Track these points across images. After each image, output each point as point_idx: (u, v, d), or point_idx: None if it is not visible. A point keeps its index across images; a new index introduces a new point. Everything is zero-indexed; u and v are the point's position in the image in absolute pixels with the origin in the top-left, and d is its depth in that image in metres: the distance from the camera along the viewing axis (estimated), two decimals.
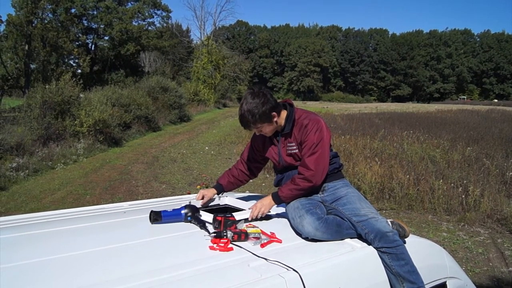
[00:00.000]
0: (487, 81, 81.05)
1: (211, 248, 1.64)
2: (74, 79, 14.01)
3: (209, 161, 11.87)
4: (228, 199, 2.51)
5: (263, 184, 8.68)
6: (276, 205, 2.16)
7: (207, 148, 14.26)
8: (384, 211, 6.71)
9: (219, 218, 1.87)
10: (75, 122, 12.97)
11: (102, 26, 45.55)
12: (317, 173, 2.06)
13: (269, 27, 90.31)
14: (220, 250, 1.63)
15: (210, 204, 2.40)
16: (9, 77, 27.75)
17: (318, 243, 1.86)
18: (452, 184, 7.28)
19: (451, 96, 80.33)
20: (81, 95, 14.63)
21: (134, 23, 46.59)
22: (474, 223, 6.14)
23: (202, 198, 2.36)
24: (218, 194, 2.46)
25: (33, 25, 26.50)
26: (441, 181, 7.28)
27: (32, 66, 28.33)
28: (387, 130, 14.66)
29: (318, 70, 78.41)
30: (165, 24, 52.03)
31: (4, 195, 7.98)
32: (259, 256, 1.58)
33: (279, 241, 1.79)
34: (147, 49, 44.84)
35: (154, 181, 9.25)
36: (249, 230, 1.82)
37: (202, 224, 1.92)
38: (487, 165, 8.63)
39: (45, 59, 27.85)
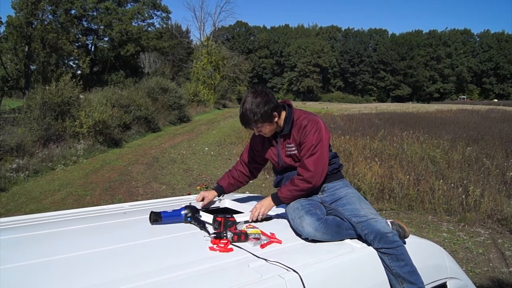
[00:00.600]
0: (487, 81, 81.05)
1: (211, 248, 1.64)
2: (74, 80, 14.02)
3: (209, 162, 11.87)
4: (228, 201, 2.50)
5: (263, 185, 8.68)
6: (275, 206, 2.16)
7: (207, 148, 14.26)
8: (384, 212, 6.71)
9: (219, 219, 1.87)
10: (75, 123, 12.97)
11: (102, 27, 45.63)
12: (316, 174, 2.06)
13: (268, 27, 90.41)
14: (220, 251, 1.63)
15: (209, 207, 2.39)
16: (9, 78, 27.78)
17: (318, 243, 1.86)
18: (452, 184, 7.28)
19: (451, 96, 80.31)
20: (81, 96, 14.64)
21: (133, 24, 46.70)
22: (474, 224, 6.14)
23: (202, 200, 2.36)
24: (218, 196, 2.45)
25: (33, 26, 26.55)
26: (441, 181, 7.29)
27: (32, 67, 28.37)
28: (387, 130, 14.65)
29: (317, 71, 78.42)
30: (164, 25, 52.16)
31: (4, 196, 7.98)
32: (259, 257, 1.58)
33: (279, 242, 1.79)
34: (146, 50, 44.86)
35: (154, 182, 9.25)
36: (249, 230, 1.82)
37: (202, 225, 1.92)
38: (487, 165, 8.63)
39: (45, 60, 27.89)
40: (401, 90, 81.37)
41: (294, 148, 2.16)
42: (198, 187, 6.53)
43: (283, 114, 2.17)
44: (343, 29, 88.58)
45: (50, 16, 30.59)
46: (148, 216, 1.96)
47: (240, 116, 2.12)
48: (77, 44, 43.08)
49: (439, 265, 2.14)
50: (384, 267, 1.83)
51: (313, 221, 1.88)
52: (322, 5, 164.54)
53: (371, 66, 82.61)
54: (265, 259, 1.55)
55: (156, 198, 3.32)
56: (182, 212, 2.00)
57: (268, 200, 2.13)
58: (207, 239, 1.75)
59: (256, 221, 2.07)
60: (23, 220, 2.06)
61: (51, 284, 1.30)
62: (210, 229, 1.87)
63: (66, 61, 36.66)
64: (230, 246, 1.68)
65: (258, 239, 1.75)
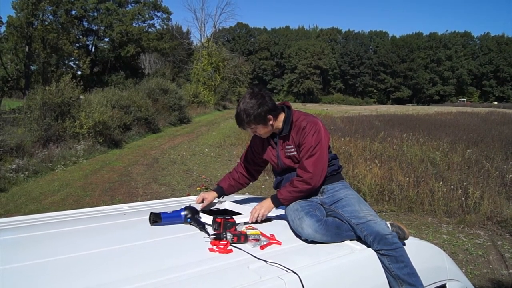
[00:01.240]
0: (487, 83, 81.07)
1: (211, 250, 1.64)
2: (74, 81, 14.02)
3: (209, 163, 11.87)
4: (227, 202, 2.50)
5: (263, 186, 8.68)
6: (275, 208, 2.16)
7: (207, 150, 14.27)
8: (384, 213, 6.71)
9: (219, 220, 1.87)
10: (75, 123, 12.97)
11: (102, 27, 45.65)
12: (315, 175, 2.06)
13: (269, 29, 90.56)
14: (220, 252, 1.63)
15: (209, 209, 2.39)
16: (9, 79, 27.80)
17: (317, 245, 1.86)
18: (452, 186, 7.28)
19: (451, 98, 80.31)
20: (81, 97, 14.64)
21: (134, 25, 46.68)
22: (474, 225, 6.14)
23: (202, 201, 2.36)
24: (218, 197, 2.44)
25: (34, 26, 26.58)
26: (441, 183, 7.29)
27: (32, 68, 28.39)
28: (387, 132, 14.67)
29: (318, 72, 78.48)
30: (165, 26, 52.13)
31: (4, 196, 7.98)
32: (258, 258, 1.58)
33: (279, 243, 1.79)
34: (147, 51, 44.89)
35: (154, 183, 9.25)
36: (249, 232, 1.82)
37: (201, 226, 1.92)
38: (487, 167, 8.63)
39: (45, 60, 27.90)
40: (401, 92, 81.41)
41: (293, 150, 2.16)
42: (198, 188, 6.53)
43: (282, 115, 2.18)
44: (343, 31, 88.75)
45: (50, 17, 30.59)
46: (147, 217, 1.96)
47: (235, 116, 2.15)
48: (78, 45, 43.10)
49: (439, 267, 2.14)
50: (384, 268, 1.83)
51: (313, 223, 1.88)
52: (322, 7, 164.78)
53: (371, 68, 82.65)
54: (265, 261, 1.55)
55: (156, 199, 3.32)
56: (182, 213, 2.00)
57: (268, 202, 2.13)
58: (206, 240, 1.75)
59: (256, 222, 2.07)
60: (22, 220, 2.06)
61: (50, 285, 1.30)
62: (210, 230, 1.87)
63: (66, 62, 36.69)
64: (230, 247, 1.68)
65: (257, 240, 1.75)
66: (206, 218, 2.02)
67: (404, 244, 1.95)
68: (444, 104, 66.44)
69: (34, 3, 25.17)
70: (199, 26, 46.97)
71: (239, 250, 1.67)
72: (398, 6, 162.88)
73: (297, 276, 1.45)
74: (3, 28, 28.44)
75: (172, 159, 12.44)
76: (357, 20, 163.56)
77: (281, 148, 2.21)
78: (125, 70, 45.39)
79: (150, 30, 49.21)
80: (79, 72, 39.22)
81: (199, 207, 2.30)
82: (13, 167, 9.33)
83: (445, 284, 2.10)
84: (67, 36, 31.86)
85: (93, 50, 47.71)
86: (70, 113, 13.17)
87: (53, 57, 29.32)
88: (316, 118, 2.17)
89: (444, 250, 3.20)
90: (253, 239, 1.75)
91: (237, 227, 1.88)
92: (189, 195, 3.20)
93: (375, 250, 1.85)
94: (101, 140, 13.59)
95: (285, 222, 2.09)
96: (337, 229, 1.94)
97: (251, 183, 2.57)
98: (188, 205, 2.09)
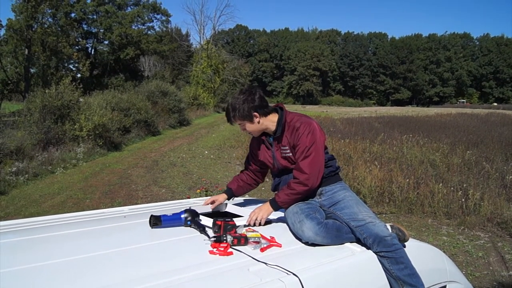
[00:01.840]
0: (486, 84, 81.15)
1: (211, 252, 1.65)
2: (73, 84, 14.03)
3: (209, 165, 11.86)
4: (227, 205, 2.51)
5: (263, 188, 8.66)
6: (274, 211, 2.16)
7: (206, 152, 14.26)
8: (384, 215, 6.71)
9: (219, 223, 1.87)
10: (75, 126, 12.97)
11: (101, 30, 45.71)
12: (312, 176, 2.05)
13: (268, 31, 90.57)
14: (220, 255, 1.63)
15: (207, 211, 2.39)
16: (9, 82, 27.82)
17: (317, 247, 1.86)
18: (452, 188, 7.27)
19: (451, 99, 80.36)
20: (81, 100, 14.64)
21: (133, 27, 46.71)
22: (474, 227, 6.13)
23: (212, 203, 2.39)
24: (228, 199, 2.47)
25: (33, 29, 26.57)
26: (441, 184, 7.28)
27: (32, 71, 28.37)
28: (386, 133, 14.67)
29: (317, 74, 78.52)
30: (164, 29, 52.14)
31: (4, 199, 7.97)
32: (259, 261, 1.58)
33: (279, 245, 1.79)
34: (146, 53, 44.88)
35: (154, 185, 9.24)
36: (249, 234, 1.81)
37: (202, 229, 1.92)
38: (487, 168, 8.63)
39: (45, 63, 27.90)
40: (400, 93, 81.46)
41: (288, 151, 2.16)
42: (198, 191, 6.51)
43: (275, 116, 2.18)
44: (342, 32, 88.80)
45: (50, 19, 30.63)
46: (148, 219, 1.97)
47: (225, 110, 2.20)
48: (77, 47, 43.09)
49: (439, 269, 2.14)
50: (384, 270, 1.83)
51: (313, 225, 1.88)
52: (321, 9, 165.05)
53: (370, 70, 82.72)
54: (265, 263, 1.55)
55: (156, 202, 3.32)
56: (182, 216, 2.01)
57: (266, 206, 2.13)
58: (207, 242, 1.75)
59: (254, 225, 2.07)
60: (22, 223, 2.06)
61: None
62: (210, 232, 1.87)
63: (66, 64, 36.75)
64: (230, 249, 1.68)
65: (258, 242, 1.75)
66: (206, 221, 2.02)
67: (405, 246, 1.95)
68: (444, 106, 66.50)
69: (33, 6, 25.17)
70: (198, 29, 47.16)
71: (240, 252, 1.67)
72: (397, 7, 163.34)
73: (297, 279, 1.45)
74: (2, 31, 28.47)
75: (172, 161, 12.44)
76: (356, 21, 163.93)
77: (276, 149, 2.21)
78: (125, 73, 45.41)
79: (149, 32, 49.24)
80: (79, 75, 39.24)
81: (209, 208, 2.33)
82: (13, 170, 9.32)
83: (445, 286, 2.10)
84: (67, 38, 31.86)
85: (92, 52, 47.73)
86: (69, 115, 13.18)
87: (52, 60, 29.33)
88: (310, 119, 2.16)
89: (444, 251, 3.20)
90: (253, 242, 1.75)
91: (237, 229, 1.88)
92: (189, 198, 3.20)
93: (375, 252, 1.85)
94: (100, 143, 13.58)
95: (285, 224, 2.09)
96: (337, 231, 1.93)
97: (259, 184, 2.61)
98: (188, 208, 2.09)
